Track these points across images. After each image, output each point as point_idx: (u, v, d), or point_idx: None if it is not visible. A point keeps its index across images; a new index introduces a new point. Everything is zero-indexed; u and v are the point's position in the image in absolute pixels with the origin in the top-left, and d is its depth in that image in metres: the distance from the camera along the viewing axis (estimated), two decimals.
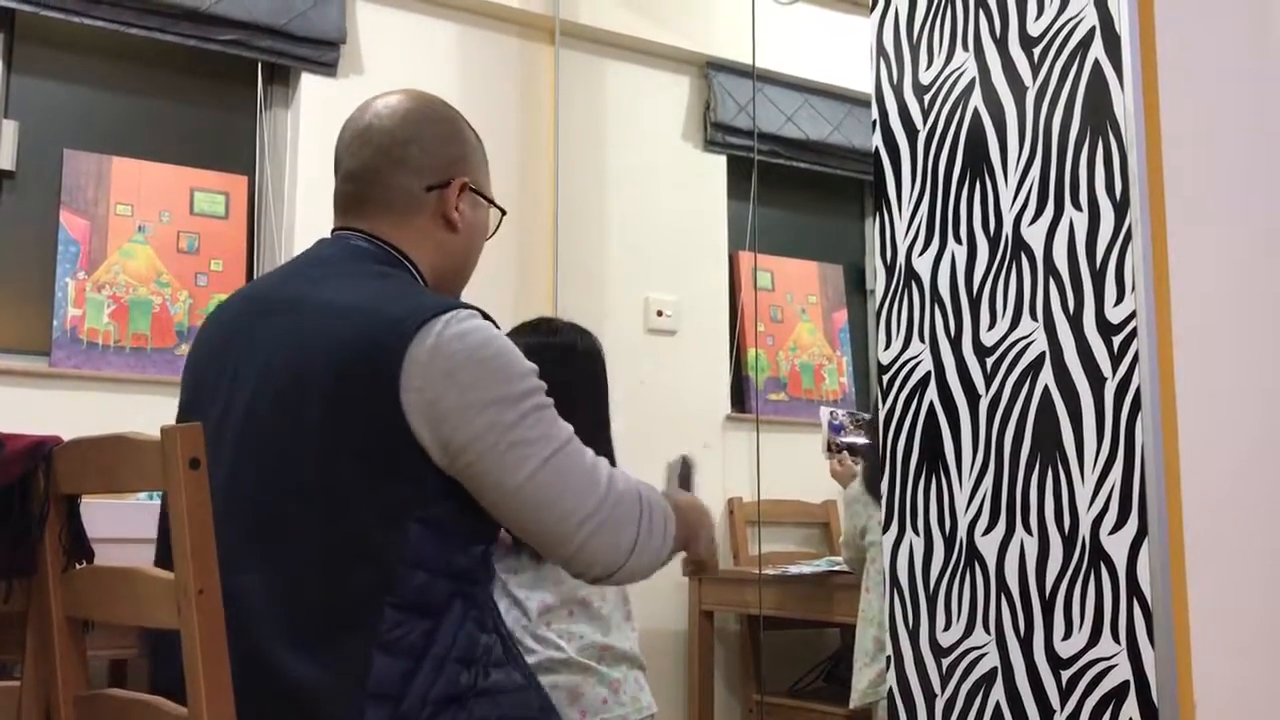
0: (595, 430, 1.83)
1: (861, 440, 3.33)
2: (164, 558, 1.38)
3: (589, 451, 1.44)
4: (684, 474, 1.82)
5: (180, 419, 1.50)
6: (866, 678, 2.77)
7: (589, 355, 2.10)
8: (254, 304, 1.52)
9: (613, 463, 1.54)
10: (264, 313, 1.47)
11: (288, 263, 1.60)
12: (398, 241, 1.53)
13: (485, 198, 1.62)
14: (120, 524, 2.02)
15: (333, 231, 1.58)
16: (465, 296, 1.62)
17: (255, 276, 3.31)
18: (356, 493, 1.34)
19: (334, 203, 1.60)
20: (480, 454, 1.35)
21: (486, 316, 1.44)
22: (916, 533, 1.83)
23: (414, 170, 1.54)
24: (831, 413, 3.44)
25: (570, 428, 1.43)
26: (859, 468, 3.13)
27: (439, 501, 1.37)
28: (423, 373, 1.34)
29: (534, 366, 1.42)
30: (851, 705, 2.82)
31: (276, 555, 1.35)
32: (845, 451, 3.35)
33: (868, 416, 3.45)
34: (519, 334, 2.07)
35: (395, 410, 1.33)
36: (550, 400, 1.42)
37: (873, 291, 4.37)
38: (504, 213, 1.67)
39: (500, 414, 1.35)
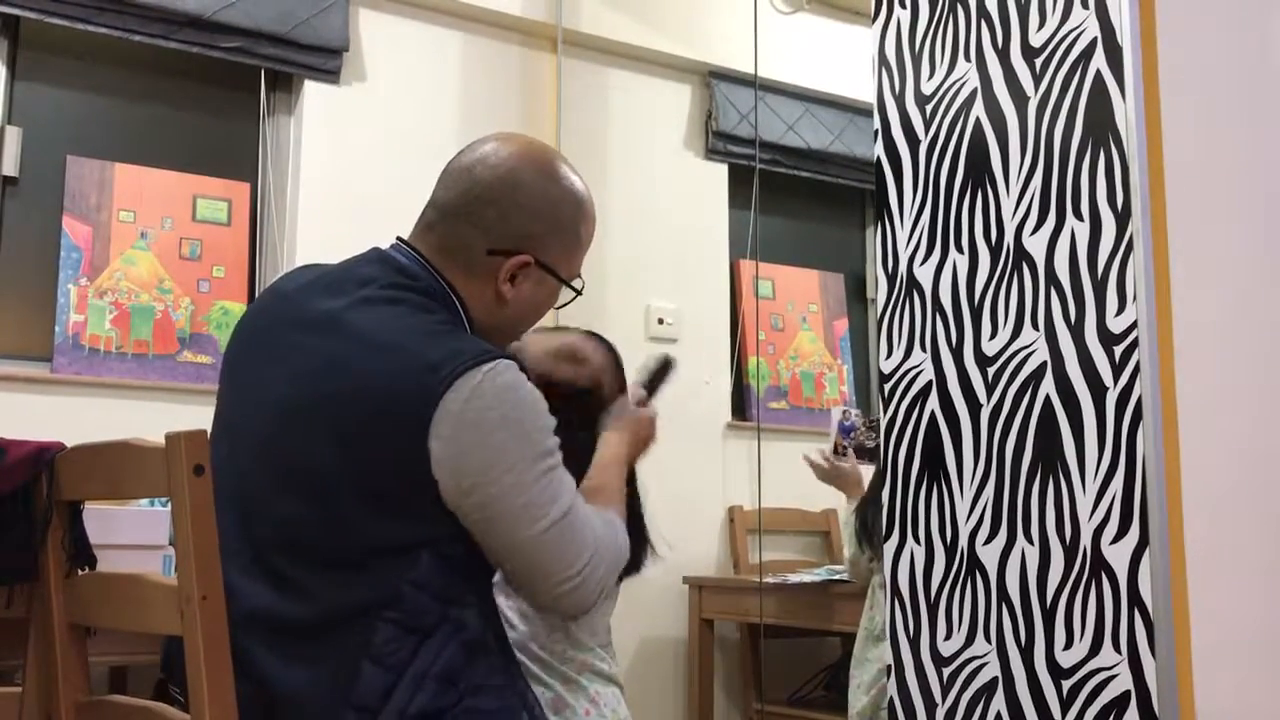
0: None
1: (871, 444, 3.21)
2: None
3: (584, 509, 1.48)
4: (656, 375, 1.98)
5: (216, 419, 1.52)
6: (861, 701, 2.76)
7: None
8: (289, 310, 1.50)
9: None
10: (299, 324, 1.46)
11: (329, 269, 1.56)
12: (450, 277, 1.51)
13: (557, 276, 1.57)
14: (123, 530, 2.02)
15: (395, 240, 1.56)
16: None
17: (257, 284, 3.31)
18: (365, 522, 1.36)
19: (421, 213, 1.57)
20: (494, 508, 1.39)
21: (518, 360, 1.44)
22: (918, 542, 1.83)
23: (483, 230, 1.51)
24: (844, 412, 3.31)
25: (574, 486, 1.48)
26: (863, 474, 3.04)
27: (449, 537, 1.40)
28: (454, 422, 1.35)
29: (553, 420, 1.45)
30: None
31: (275, 562, 1.37)
32: (850, 454, 3.20)
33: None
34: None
35: (421, 454, 1.35)
36: (560, 458, 1.46)
37: (874, 300, 4.37)
38: (578, 293, 1.62)
39: (521, 474, 1.39)
